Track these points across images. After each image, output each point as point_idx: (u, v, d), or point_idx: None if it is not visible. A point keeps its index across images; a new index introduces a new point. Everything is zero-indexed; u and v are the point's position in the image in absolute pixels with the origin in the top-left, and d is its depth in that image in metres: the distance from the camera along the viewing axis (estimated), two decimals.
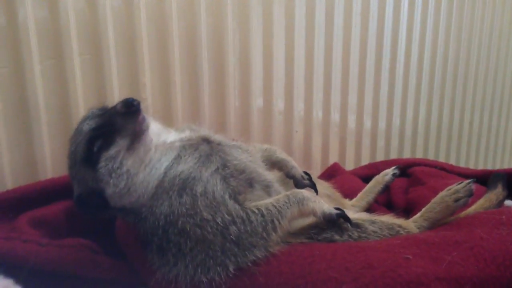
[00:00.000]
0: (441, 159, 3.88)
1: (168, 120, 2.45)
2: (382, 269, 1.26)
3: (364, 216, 1.65)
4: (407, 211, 2.06)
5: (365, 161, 3.39)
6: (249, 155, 1.75)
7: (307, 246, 1.48)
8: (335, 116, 3.20)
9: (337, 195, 2.11)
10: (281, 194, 1.58)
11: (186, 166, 1.51)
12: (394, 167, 2.39)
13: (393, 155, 3.59)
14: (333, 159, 3.21)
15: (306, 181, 1.89)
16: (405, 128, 3.64)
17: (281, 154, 1.97)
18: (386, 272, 1.24)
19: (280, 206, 1.48)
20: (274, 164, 1.94)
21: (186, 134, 1.70)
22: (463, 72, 3.95)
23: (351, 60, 3.19)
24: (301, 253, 1.40)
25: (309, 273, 1.31)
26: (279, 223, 1.45)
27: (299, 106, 2.99)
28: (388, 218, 1.63)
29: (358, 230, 1.55)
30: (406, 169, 2.61)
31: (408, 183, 2.48)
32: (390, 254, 1.33)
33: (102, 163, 1.43)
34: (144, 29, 2.28)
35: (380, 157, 3.49)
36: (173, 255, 1.43)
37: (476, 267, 1.27)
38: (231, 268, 1.38)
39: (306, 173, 1.92)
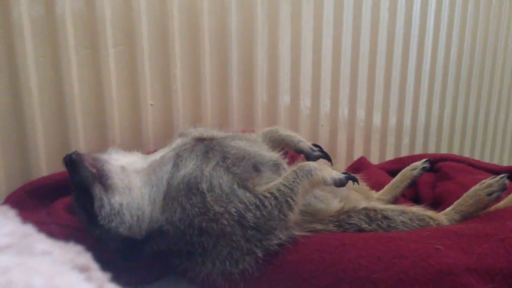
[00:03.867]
0: (466, 155, 3.83)
1: (197, 113, 2.49)
2: (413, 259, 1.27)
3: (394, 206, 1.65)
4: (434, 206, 2.05)
5: (389, 157, 3.38)
6: (248, 141, 1.75)
7: (337, 235, 1.50)
8: (361, 113, 3.20)
9: (365, 188, 2.10)
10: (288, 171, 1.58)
11: (187, 169, 1.51)
12: (424, 160, 2.32)
13: (418, 152, 3.56)
14: (358, 155, 3.21)
15: (317, 153, 1.86)
16: (430, 125, 3.62)
17: (284, 131, 1.94)
18: (417, 262, 1.26)
19: (291, 184, 1.47)
20: (280, 142, 1.92)
21: (178, 142, 1.70)
22: (489, 68, 3.91)
23: (377, 57, 3.18)
24: (332, 242, 1.42)
25: (340, 261, 1.32)
26: (293, 200, 1.45)
27: (325, 103, 3.00)
28: (418, 209, 1.64)
29: (387, 220, 1.56)
30: (433, 164, 2.58)
31: (436, 178, 2.47)
32: (421, 244, 1.34)
33: (99, 217, 1.42)
34: (176, 22, 2.31)
35: (404, 153, 3.46)
36: (199, 255, 1.46)
37: (506, 259, 1.28)
38: (259, 254, 1.40)
39: (315, 145, 1.89)
